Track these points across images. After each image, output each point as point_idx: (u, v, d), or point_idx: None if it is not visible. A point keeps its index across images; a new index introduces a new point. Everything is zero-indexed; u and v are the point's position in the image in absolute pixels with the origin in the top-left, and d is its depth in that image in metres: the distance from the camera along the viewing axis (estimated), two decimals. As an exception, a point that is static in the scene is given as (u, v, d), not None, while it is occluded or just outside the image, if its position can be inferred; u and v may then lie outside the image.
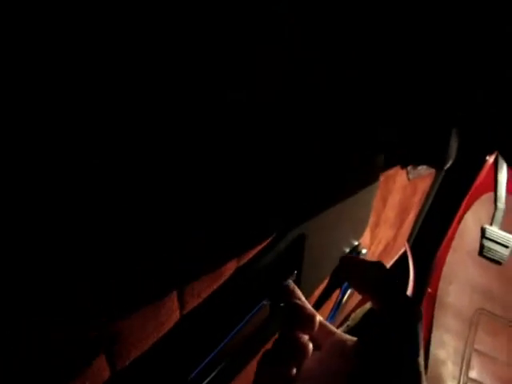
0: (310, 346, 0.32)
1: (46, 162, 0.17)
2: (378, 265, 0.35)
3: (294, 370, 0.31)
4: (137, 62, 0.18)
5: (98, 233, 0.20)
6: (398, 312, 0.31)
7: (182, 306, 0.28)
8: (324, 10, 0.25)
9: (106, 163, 0.19)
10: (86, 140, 0.18)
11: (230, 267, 0.32)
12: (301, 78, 0.27)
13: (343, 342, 0.33)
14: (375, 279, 0.34)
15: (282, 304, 0.36)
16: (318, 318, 0.34)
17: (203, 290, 0.30)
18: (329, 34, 0.27)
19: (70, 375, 0.22)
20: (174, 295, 0.27)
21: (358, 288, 0.36)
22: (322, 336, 0.34)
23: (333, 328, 0.35)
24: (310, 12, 0.24)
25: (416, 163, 0.67)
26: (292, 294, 0.36)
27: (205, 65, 0.21)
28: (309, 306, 0.35)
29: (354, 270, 0.36)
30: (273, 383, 0.30)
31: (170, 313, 0.27)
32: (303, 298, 0.36)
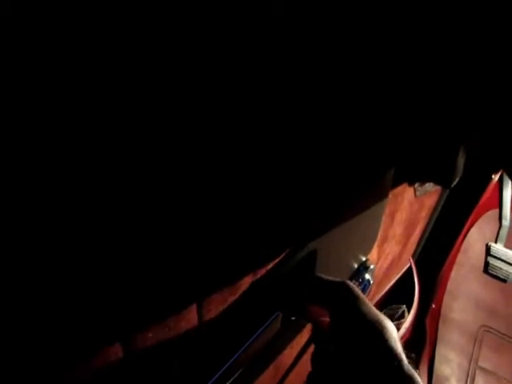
0: None
1: (48, 163, 0.17)
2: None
3: None
4: (138, 63, 0.18)
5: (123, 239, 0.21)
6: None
7: (200, 318, 0.29)
8: (324, 10, 0.25)
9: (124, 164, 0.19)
10: (88, 141, 0.18)
11: (246, 282, 0.33)
12: (301, 78, 0.27)
13: None
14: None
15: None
16: None
17: (221, 302, 0.31)
18: (329, 33, 0.27)
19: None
20: (194, 308, 0.28)
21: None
22: None
23: None
24: (309, 12, 0.24)
25: (423, 180, 0.68)
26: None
27: (205, 65, 0.21)
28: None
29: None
30: None
31: (190, 325, 0.28)
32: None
